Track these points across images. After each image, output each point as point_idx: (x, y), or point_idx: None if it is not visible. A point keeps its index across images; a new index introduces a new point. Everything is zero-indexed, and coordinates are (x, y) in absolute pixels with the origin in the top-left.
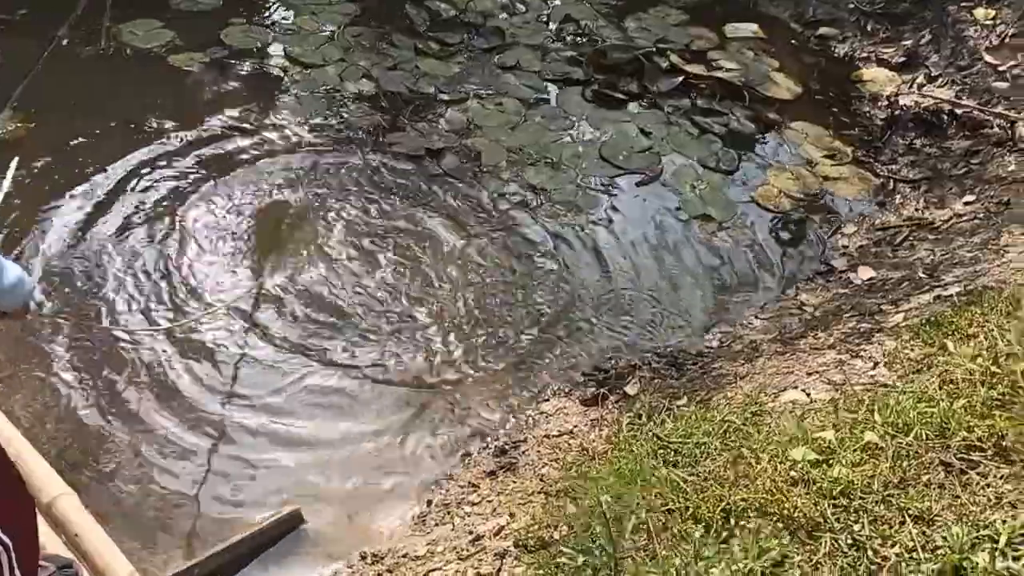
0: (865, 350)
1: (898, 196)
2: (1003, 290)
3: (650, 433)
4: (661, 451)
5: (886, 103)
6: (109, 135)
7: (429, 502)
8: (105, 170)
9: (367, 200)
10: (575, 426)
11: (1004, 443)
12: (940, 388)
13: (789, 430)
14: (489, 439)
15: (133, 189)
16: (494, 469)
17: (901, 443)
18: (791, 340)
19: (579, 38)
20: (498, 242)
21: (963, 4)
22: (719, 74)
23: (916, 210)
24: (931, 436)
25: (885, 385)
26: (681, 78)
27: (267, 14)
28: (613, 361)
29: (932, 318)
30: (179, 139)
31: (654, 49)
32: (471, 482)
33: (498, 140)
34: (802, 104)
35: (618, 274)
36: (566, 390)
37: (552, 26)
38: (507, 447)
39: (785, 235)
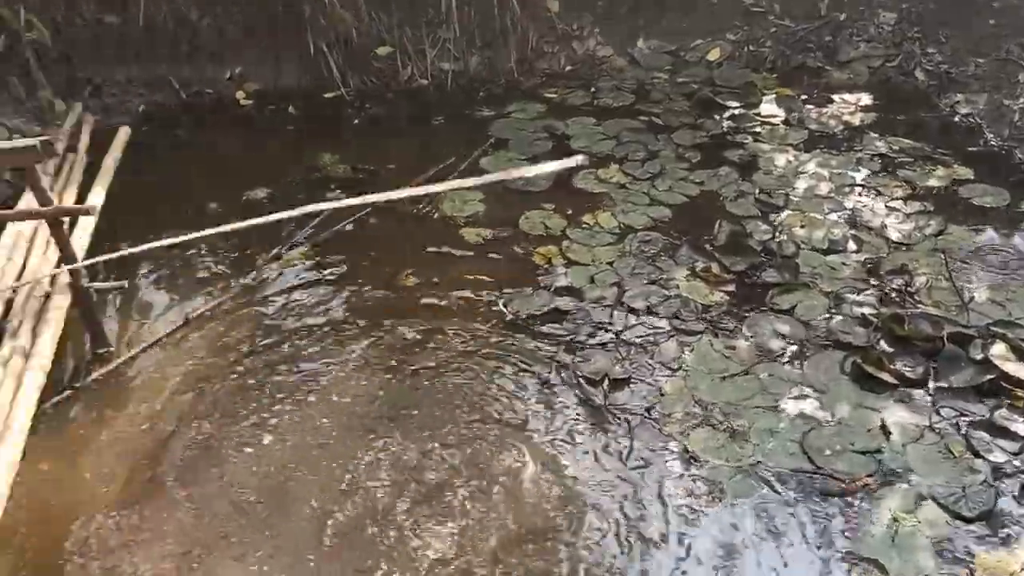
0: None
1: None
2: None
3: None
4: None
5: None
6: None
7: None
8: None
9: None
10: None
11: None
12: None
13: None
14: None
15: None
16: None
17: None
18: None
19: (903, 297)
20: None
21: None
22: None
23: None
24: None
25: None
26: (990, 377)
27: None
28: None
29: None
30: None
31: (977, 333)
32: None
33: (696, 387)
34: None
35: None
36: None
37: (870, 278)
38: None
39: None
